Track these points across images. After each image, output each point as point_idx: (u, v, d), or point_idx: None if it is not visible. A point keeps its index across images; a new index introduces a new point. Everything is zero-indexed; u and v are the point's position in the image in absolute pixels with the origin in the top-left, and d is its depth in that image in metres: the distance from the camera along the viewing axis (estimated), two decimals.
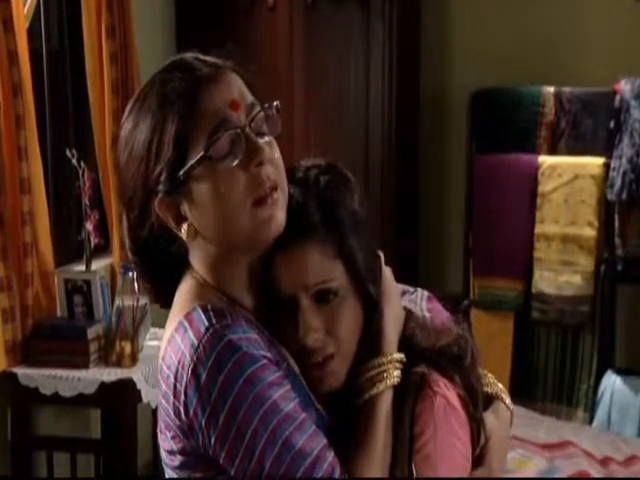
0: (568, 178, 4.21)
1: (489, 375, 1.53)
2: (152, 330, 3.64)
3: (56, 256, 3.61)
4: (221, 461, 1.25)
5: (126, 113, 1.35)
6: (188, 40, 4.38)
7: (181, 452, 1.30)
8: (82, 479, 3.57)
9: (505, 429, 1.49)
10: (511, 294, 4.34)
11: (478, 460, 1.41)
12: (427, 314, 1.51)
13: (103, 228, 3.82)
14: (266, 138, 1.33)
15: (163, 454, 1.35)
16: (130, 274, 3.53)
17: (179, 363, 1.26)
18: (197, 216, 1.31)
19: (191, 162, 1.28)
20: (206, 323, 1.26)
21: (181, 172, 1.29)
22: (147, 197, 1.32)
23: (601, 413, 4.12)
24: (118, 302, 3.48)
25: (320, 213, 1.36)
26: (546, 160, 4.27)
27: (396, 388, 1.36)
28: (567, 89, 4.31)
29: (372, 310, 1.40)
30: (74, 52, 4.01)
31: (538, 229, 4.27)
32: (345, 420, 1.35)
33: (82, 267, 3.72)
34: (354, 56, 4.41)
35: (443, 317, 1.54)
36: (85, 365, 3.32)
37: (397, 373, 1.36)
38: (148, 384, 3.32)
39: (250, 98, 1.33)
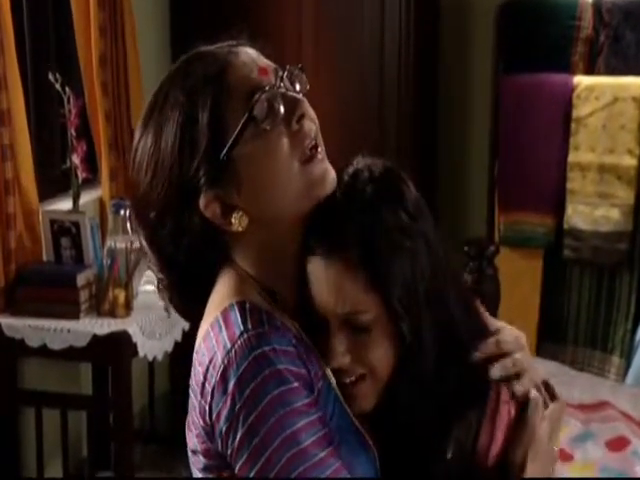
0: (607, 101, 4.10)
1: None
2: (148, 273, 3.58)
3: (39, 189, 3.53)
4: (237, 471, 1.29)
5: (141, 124, 1.39)
6: None
7: (205, 454, 1.33)
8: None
9: None
10: (541, 230, 4.27)
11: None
12: None
13: (90, 159, 3.75)
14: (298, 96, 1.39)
15: (189, 453, 1.38)
16: (122, 212, 3.46)
17: (210, 362, 1.30)
18: (247, 194, 1.34)
19: (233, 135, 1.32)
20: (241, 327, 1.29)
21: (224, 151, 1.32)
22: (185, 203, 1.35)
23: (639, 360, 4.08)
24: (110, 244, 3.42)
25: (357, 236, 1.33)
26: (582, 81, 4.16)
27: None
28: None
29: (409, 341, 1.36)
30: None
31: (572, 158, 4.17)
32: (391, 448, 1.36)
33: (68, 203, 3.66)
34: None
35: None
36: (75, 315, 3.28)
37: None
38: (144, 336, 3.29)
39: (273, 64, 1.40)
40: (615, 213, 4.11)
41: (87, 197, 3.82)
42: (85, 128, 3.79)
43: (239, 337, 1.27)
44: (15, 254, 3.33)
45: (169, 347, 3.43)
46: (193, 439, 1.34)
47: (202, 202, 1.34)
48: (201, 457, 1.33)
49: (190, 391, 1.35)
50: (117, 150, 3.93)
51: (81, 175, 3.57)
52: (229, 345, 1.27)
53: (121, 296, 3.31)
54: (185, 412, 1.40)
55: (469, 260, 3.59)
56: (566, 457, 3.21)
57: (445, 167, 4.75)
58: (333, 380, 1.35)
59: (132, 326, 3.25)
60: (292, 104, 1.35)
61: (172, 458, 3.92)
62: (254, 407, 1.24)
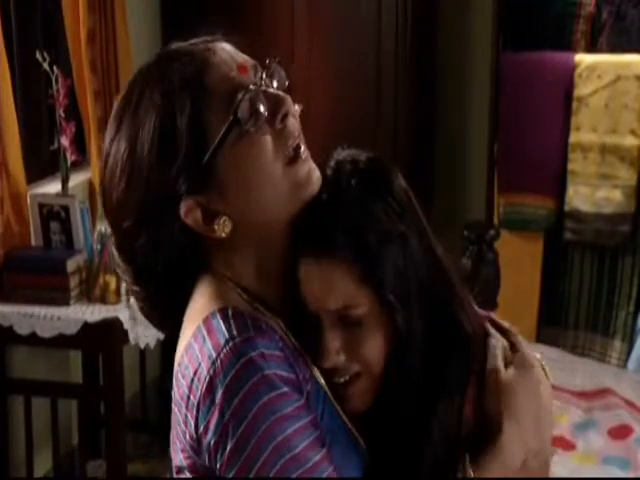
0: (609, 79, 4.10)
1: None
2: None
3: (26, 171, 3.51)
4: None
5: (112, 126, 1.34)
6: None
7: (191, 469, 1.31)
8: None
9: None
10: (541, 212, 4.28)
11: None
12: None
13: (79, 140, 3.72)
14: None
15: (174, 471, 1.36)
16: None
17: (195, 374, 1.27)
18: (230, 199, 1.32)
19: (217, 139, 1.29)
20: (226, 335, 1.26)
21: (207, 155, 1.29)
22: (163, 211, 1.32)
23: None
24: (100, 228, 3.40)
25: (346, 232, 1.33)
26: (584, 59, 4.15)
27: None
28: None
29: (402, 333, 1.36)
30: None
31: (573, 138, 4.17)
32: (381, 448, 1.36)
33: (56, 185, 3.64)
34: None
35: None
36: (65, 302, 3.26)
37: None
38: (136, 323, 3.27)
39: (251, 60, 1.37)
40: (617, 194, 4.11)
41: (76, 179, 3.79)
42: (73, 108, 3.76)
43: (224, 345, 1.25)
44: (3, 239, 3.31)
45: (161, 334, 3.41)
46: (178, 454, 1.32)
47: (183, 209, 1.31)
48: (187, 473, 1.31)
49: (173, 405, 1.32)
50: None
51: (70, 157, 3.54)
52: (214, 355, 1.25)
53: (112, 282, 3.30)
54: None
55: (469, 244, 3.59)
56: (568, 446, 3.22)
57: (443, 148, 4.73)
58: (322, 380, 1.34)
59: (123, 312, 3.23)
60: (276, 102, 1.33)
61: (163, 446, 3.91)
62: (244, 416, 1.22)
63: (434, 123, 4.72)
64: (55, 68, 3.51)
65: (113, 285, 3.30)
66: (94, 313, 3.24)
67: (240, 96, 1.30)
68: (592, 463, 3.20)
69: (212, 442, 1.24)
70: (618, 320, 4.21)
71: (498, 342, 1.43)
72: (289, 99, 1.35)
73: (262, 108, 1.31)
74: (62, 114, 3.53)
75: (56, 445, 3.51)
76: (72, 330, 3.20)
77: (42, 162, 3.88)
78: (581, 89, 4.14)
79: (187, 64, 1.32)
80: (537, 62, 4.24)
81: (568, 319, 4.31)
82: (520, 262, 4.25)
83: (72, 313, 3.23)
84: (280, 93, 1.35)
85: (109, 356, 3.31)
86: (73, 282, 3.29)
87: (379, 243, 1.33)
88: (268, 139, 1.31)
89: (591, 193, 4.16)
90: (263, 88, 1.33)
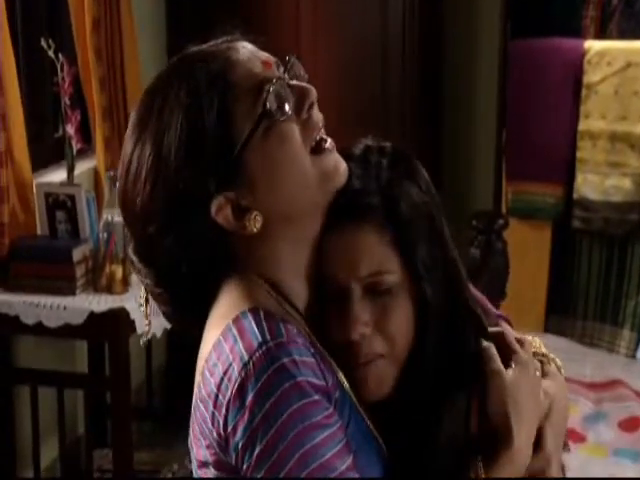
0: (619, 66, 4.09)
1: (536, 339, 1.55)
2: None
3: (31, 159, 3.51)
4: None
5: (134, 131, 1.35)
6: None
7: (215, 466, 1.31)
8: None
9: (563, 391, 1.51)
10: (549, 200, 4.27)
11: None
12: None
13: (83, 127, 3.73)
14: None
15: (194, 467, 1.36)
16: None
17: (225, 374, 1.27)
18: (260, 191, 1.33)
19: (247, 131, 1.31)
20: (259, 338, 1.26)
21: (237, 149, 1.31)
22: (192, 211, 1.33)
23: None
24: (106, 217, 3.40)
25: (379, 199, 1.37)
26: (593, 45, 4.14)
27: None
28: None
29: (426, 315, 1.38)
30: None
31: (582, 126, 4.17)
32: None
33: (61, 173, 3.65)
34: None
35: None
36: (71, 291, 3.27)
37: None
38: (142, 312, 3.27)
39: (272, 57, 1.40)
40: (626, 183, 4.11)
41: (81, 167, 3.79)
42: (78, 96, 3.77)
43: (257, 349, 1.25)
44: (8, 228, 3.31)
45: (168, 323, 3.42)
46: (203, 451, 1.32)
47: (214, 207, 1.32)
48: (212, 469, 1.31)
49: (198, 401, 1.32)
50: (112, 119, 3.91)
51: (75, 146, 3.55)
52: (246, 357, 1.25)
53: (118, 272, 3.30)
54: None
55: (477, 234, 3.58)
56: (578, 438, 3.22)
57: (450, 136, 4.73)
58: (346, 384, 1.34)
59: (130, 302, 3.24)
60: (302, 93, 1.36)
61: (168, 435, 3.93)
62: (273, 422, 1.23)
63: (441, 111, 4.71)
64: (60, 55, 3.51)
65: (119, 274, 3.30)
66: (100, 303, 3.24)
67: (267, 88, 1.33)
68: (602, 455, 3.21)
69: (240, 444, 1.24)
70: (627, 309, 4.21)
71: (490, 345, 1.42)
72: (314, 90, 1.38)
73: (290, 98, 1.34)
74: (67, 102, 3.53)
75: (62, 434, 3.53)
76: (78, 320, 3.21)
77: (47, 150, 3.89)
78: (590, 76, 4.13)
79: (211, 63, 1.34)
80: (546, 49, 4.23)
81: (576, 308, 4.31)
82: (528, 250, 4.25)
83: (78, 303, 3.24)
84: (306, 84, 1.38)
85: (115, 346, 3.32)
86: (79, 271, 3.30)
87: (411, 209, 1.37)
88: (295, 128, 1.34)
89: (600, 181, 4.15)
90: (287, 81, 1.36)
